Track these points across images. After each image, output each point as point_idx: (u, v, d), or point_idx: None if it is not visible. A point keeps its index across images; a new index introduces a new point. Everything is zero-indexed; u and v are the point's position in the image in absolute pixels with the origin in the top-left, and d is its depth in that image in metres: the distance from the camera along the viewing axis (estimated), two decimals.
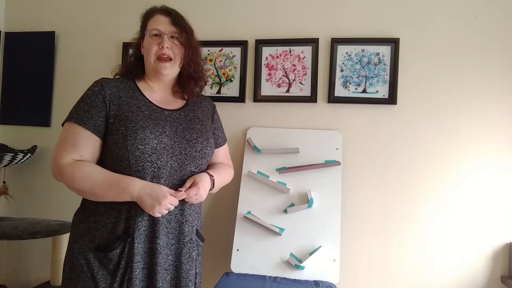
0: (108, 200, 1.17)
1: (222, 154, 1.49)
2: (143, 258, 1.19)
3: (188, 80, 1.35)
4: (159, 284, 1.19)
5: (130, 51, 1.43)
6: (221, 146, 1.47)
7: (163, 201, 1.15)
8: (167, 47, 1.26)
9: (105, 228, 1.18)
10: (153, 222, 1.20)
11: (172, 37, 1.29)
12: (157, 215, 1.16)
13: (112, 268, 1.16)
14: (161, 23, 1.28)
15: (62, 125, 1.22)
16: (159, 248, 1.20)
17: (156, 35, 1.28)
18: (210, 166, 1.39)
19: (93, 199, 1.19)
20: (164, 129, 1.23)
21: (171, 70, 1.30)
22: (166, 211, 1.17)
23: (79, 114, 1.18)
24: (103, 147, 1.21)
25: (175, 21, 1.30)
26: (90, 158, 1.19)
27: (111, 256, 1.16)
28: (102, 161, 1.21)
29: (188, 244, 1.27)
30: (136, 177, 1.17)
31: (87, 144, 1.17)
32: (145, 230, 1.19)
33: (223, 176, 1.41)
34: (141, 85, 1.31)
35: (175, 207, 1.22)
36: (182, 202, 1.24)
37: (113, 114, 1.20)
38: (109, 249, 1.16)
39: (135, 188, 1.15)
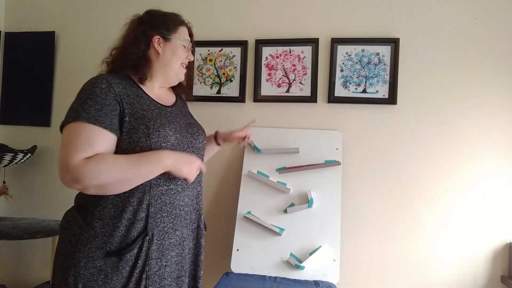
0: (138, 182, 1.13)
1: None
2: (165, 255, 1.19)
3: (187, 87, 1.47)
4: (182, 273, 1.23)
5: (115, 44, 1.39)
6: None
7: (195, 160, 1.22)
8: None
9: (116, 232, 1.13)
10: (172, 216, 1.21)
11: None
12: (191, 178, 1.19)
13: (128, 269, 1.13)
14: (187, 35, 1.36)
15: (62, 127, 1.11)
16: (179, 240, 1.22)
17: (183, 45, 1.33)
18: None
19: (120, 189, 1.12)
20: (174, 125, 1.25)
21: None
22: (196, 175, 1.22)
23: (90, 113, 1.10)
24: (116, 147, 1.15)
25: (192, 40, 1.39)
26: None
27: (128, 257, 1.13)
28: None
29: (196, 230, 1.32)
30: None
31: (104, 143, 1.10)
32: (164, 227, 1.19)
33: None
34: (137, 82, 1.28)
35: (189, 199, 1.27)
36: (192, 191, 1.28)
37: (128, 112, 1.16)
38: (126, 251, 1.12)
39: (166, 154, 1.16)
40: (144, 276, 1.15)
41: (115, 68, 1.29)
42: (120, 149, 1.15)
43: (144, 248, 1.15)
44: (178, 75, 1.33)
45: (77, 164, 1.05)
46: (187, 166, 1.18)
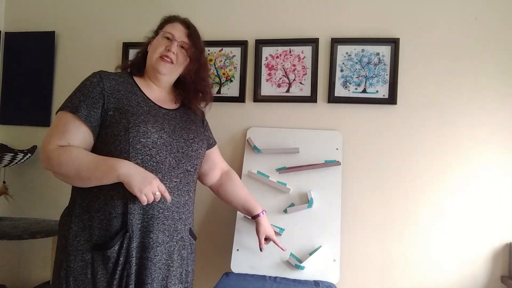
0: (94, 183, 1.13)
1: (217, 154, 1.56)
2: (135, 253, 1.17)
3: (195, 96, 1.40)
4: (148, 280, 1.17)
5: (131, 52, 1.46)
6: (213, 146, 1.54)
7: (154, 181, 1.12)
8: (173, 52, 1.29)
9: (101, 225, 1.15)
10: (148, 216, 1.18)
11: (182, 47, 1.32)
12: (144, 198, 1.09)
13: (111, 266, 1.14)
14: (178, 31, 1.32)
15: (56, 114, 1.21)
16: (151, 243, 1.19)
17: (168, 38, 1.31)
18: (231, 186, 1.53)
19: (80, 183, 1.16)
20: (163, 125, 1.24)
21: (168, 71, 1.31)
22: (152, 198, 1.11)
23: (74, 104, 1.17)
24: (99, 140, 1.19)
25: (190, 35, 1.34)
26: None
27: (110, 253, 1.13)
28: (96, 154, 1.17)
29: (180, 242, 1.28)
30: None
31: (77, 132, 1.16)
32: (138, 224, 1.17)
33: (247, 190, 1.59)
34: (139, 81, 1.32)
35: (173, 205, 1.22)
36: (179, 199, 1.25)
37: (113, 107, 1.19)
38: (108, 246, 1.13)
39: (123, 164, 1.11)
40: (125, 273, 1.15)
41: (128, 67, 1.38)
42: (103, 143, 1.18)
43: (125, 245, 1.14)
44: (154, 66, 1.30)
45: (49, 149, 1.13)
46: (140, 183, 1.09)
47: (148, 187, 1.10)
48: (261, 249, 1.53)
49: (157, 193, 1.13)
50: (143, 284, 1.17)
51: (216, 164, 1.54)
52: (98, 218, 1.16)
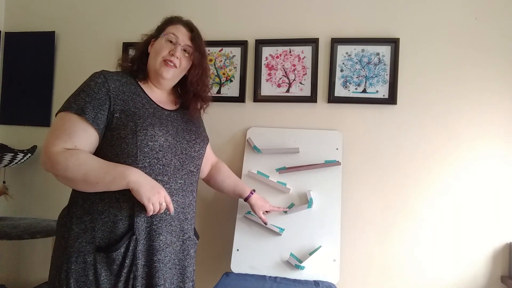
0: (101, 188, 1.12)
1: (209, 149, 1.58)
2: (144, 256, 1.18)
3: (195, 99, 1.38)
4: (161, 281, 1.19)
5: (131, 51, 1.43)
6: (208, 143, 1.54)
7: (162, 191, 1.14)
8: (177, 57, 1.28)
9: (105, 227, 1.15)
10: (156, 219, 1.19)
11: (185, 50, 1.31)
12: (151, 207, 1.11)
13: (116, 268, 1.14)
14: (181, 34, 1.30)
15: (56, 114, 1.18)
16: (161, 245, 1.20)
17: (171, 42, 1.29)
18: (220, 176, 1.60)
19: (85, 188, 1.14)
20: (167, 128, 1.24)
21: (172, 76, 1.30)
22: (158, 208, 1.13)
23: (79, 105, 1.14)
24: (104, 142, 1.18)
25: (193, 38, 1.32)
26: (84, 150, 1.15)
27: (115, 256, 1.13)
28: (101, 156, 1.16)
29: (187, 241, 1.29)
30: None
31: (83, 135, 1.13)
32: (146, 227, 1.18)
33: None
34: (141, 82, 1.31)
35: (178, 206, 1.24)
36: (184, 199, 1.26)
37: (119, 108, 1.17)
38: (113, 249, 1.13)
39: (133, 172, 1.11)
40: (131, 276, 1.15)
41: (129, 68, 1.34)
42: (109, 145, 1.17)
43: (131, 248, 1.14)
44: (157, 70, 1.28)
45: (54, 151, 1.09)
46: (149, 192, 1.11)
47: (157, 196, 1.12)
48: (265, 224, 1.70)
49: (163, 203, 1.15)
50: (156, 286, 1.18)
51: (208, 159, 1.57)
52: (101, 220, 1.15)
